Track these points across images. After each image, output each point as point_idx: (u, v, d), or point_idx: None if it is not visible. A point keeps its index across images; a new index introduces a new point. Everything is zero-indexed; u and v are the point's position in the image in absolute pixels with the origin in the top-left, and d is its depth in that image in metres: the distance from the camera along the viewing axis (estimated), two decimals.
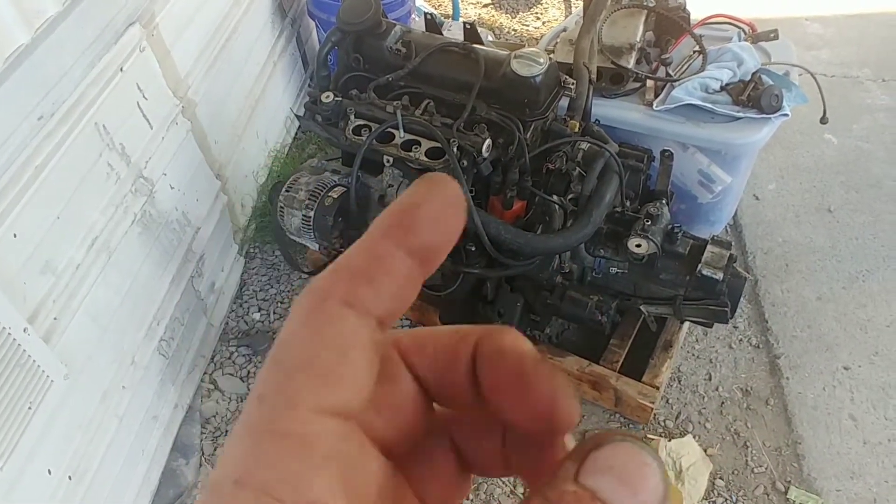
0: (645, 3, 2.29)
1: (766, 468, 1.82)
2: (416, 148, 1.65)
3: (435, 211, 0.23)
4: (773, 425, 1.91)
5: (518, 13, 3.63)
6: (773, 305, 2.18)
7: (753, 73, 2.11)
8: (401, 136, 1.68)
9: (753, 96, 2.02)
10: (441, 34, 1.93)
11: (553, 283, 1.83)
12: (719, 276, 1.77)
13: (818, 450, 1.84)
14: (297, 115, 1.90)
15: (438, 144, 1.63)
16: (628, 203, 1.90)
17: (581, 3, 3.44)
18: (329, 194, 1.81)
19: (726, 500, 1.77)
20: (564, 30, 2.50)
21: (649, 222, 1.78)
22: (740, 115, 2.02)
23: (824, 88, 2.14)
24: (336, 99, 1.73)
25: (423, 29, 2.00)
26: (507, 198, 1.70)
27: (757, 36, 2.27)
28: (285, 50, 2.77)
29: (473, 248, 1.78)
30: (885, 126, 2.76)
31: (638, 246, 1.76)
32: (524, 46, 3.03)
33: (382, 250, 0.22)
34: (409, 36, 1.80)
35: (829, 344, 2.06)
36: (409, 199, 0.23)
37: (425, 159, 1.64)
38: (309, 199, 1.81)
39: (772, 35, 2.25)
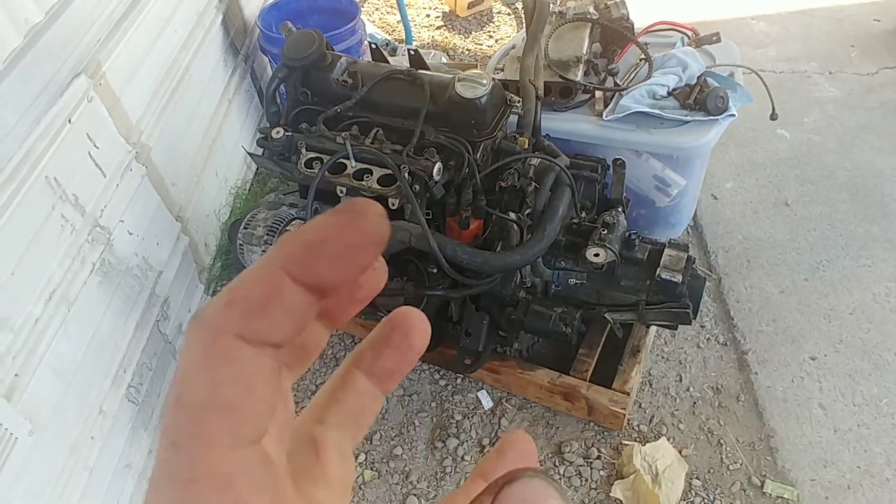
0: (589, 17, 2.34)
1: (740, 464, 1.84)
2: (368, 177, 1.67)
3: (342, 249, 0.22)
4: (745, 421, 1.93)
5: (471, 33, 3.68)
6: (737, 302, 2.21)
7: (699, 77, 2.16)
8: (352, 165, 1.70)
9: (700, 99, 2.07)
10: (387, 62, 1.95)
11: (517, 298, 1.85)
12: (678, 278, 1.79)
13: (790, 441, 1.86)
14: (249, 153, 1.91)
15: (390, 171, 1.65)
16: (584, 214, 1.93)
17: None
18: (287, 229, 1.82)
19: (703, 499, 1.78)
20: (513, 47, 2.54)
21: (606, 231, 1.81)
22: (688, 118, 2.06)
23: (774, 85, 2.19)
24: (286, 134, 1.75)
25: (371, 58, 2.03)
26: (463, 218, 1.72)
27: (700, 40, 2.32)
28: (240, 87, 2.78)
29: (435, 271, 1.80)
30: (835, 117, 2.82)
31: (596, 255, 1.78)
32: (477, 66, 3.07)
33: (279, 284, 0.21)
34: (354, 66, 1.82)
35: (795, 336, 2.09)
36: (317, 232, 0.22)
37: (378, 187, 1.66)
38: (267, 234, 1.82)
39: (714, 38, 2.30)
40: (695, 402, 1.99)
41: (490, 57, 3.39)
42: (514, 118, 1.87)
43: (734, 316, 2.17)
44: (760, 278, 2.27)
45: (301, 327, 0.22)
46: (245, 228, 1.83)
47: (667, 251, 1.85)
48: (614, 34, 2.36)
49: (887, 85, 2.97)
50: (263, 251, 1.81)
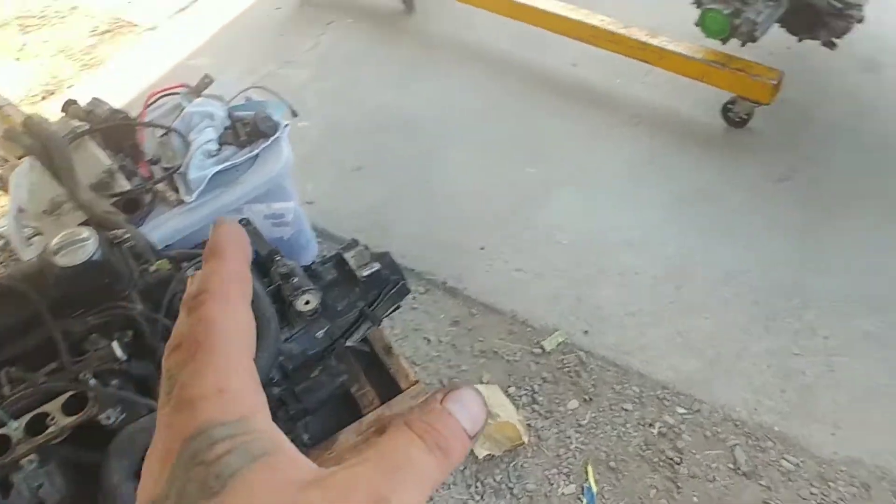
0: (79, 131, 2.10)
1: (519, 351, 2.06)
2: (51, 420, 1.28)
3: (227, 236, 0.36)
4: (487, 320, 2.14)
5: None
6: (403, 258, 2.37)
7: (230, 117, 2.15)
8: (13, 427, 1.28)
9: (252, 132, 2.08)
10: None
11: (279, 398, 1.68)
12: (376, 266, 1.84)
13: (521, 302, 2.17)
14: None
15: (69, 394, 1.29)
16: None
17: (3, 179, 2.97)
18: None
19: (527, 392, 1.96)
20: (21, 210, 2.14)
21: (296, 279, 1.74)
22: (256, 151, 2.06)
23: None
24: None
25: None
26: None
27: (197, 88, 2.29)
28: None
29: None
30: (302, 82, 3.06)
31: (307, 303, 1.71)
32: None
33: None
34: None
35: (466, 227, 2.39)
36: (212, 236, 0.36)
37: (71, 419, 1.28)
38: None
39: (206, 80, 2.29)
40: (452, 341, 2.12)
41: None
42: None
43: (413, 267, 2.34)
44: (396, 240, 2.40)
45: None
46: None
47: (347, 256, 1.87)
48: (118, 130, 2.17)
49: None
50: None
